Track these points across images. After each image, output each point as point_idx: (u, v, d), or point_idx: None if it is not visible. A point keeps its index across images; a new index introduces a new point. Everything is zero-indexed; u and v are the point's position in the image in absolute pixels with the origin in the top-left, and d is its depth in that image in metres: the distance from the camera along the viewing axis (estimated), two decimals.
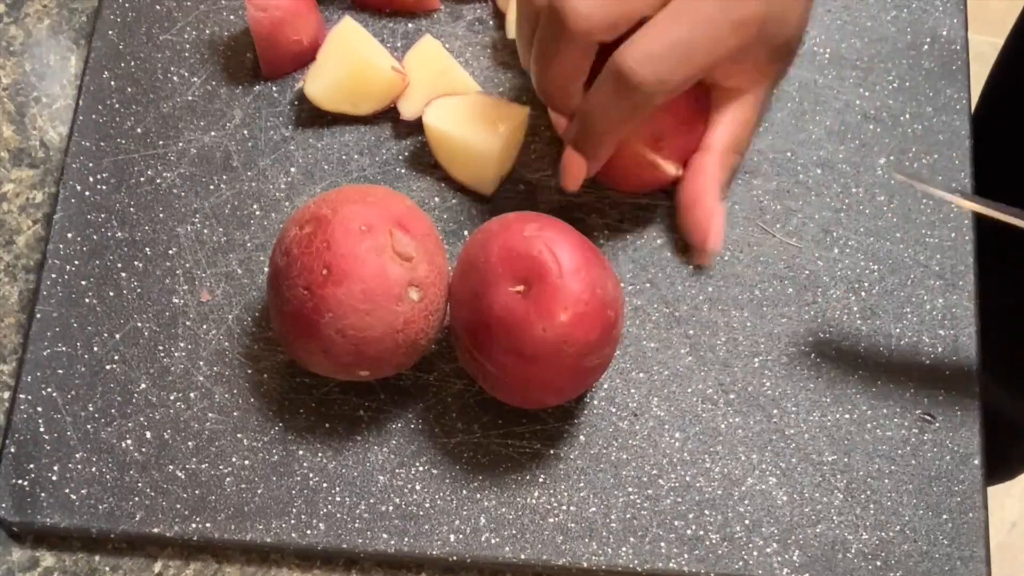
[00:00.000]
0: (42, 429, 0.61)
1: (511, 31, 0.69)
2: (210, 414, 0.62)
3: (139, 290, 0.64)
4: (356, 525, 0.60)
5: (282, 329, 0.58)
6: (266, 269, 0.64)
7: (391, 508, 0.60)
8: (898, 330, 0.64)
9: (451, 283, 0.59)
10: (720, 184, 0.63)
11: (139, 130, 0.68)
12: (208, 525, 0.60)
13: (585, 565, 0.59)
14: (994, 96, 0.94)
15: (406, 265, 0.56)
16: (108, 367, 0.63)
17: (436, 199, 0.66)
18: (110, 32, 0.70)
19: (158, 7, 0.70)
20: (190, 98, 0.68)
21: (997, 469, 1.07)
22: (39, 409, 0.62)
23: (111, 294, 0.64)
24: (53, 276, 0.64)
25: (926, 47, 0.70)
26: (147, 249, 0.65)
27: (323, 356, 0.57)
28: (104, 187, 0.66)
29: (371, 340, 0.56)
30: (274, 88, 0.69)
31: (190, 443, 0.61)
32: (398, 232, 0.57)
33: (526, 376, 0.56)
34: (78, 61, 0.71)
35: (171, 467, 0.61)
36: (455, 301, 0.58)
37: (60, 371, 0.62)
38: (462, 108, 0.65)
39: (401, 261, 0.56)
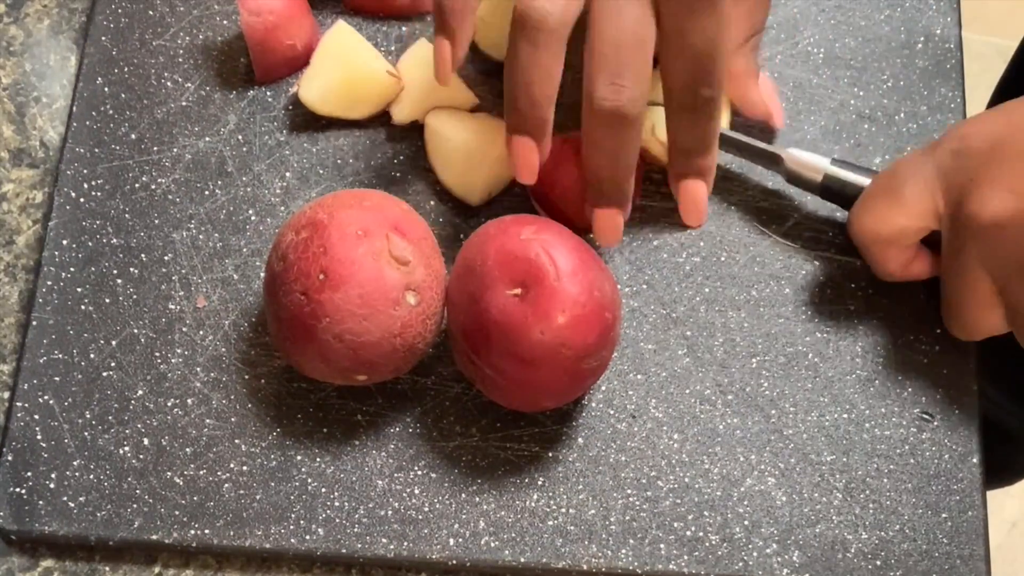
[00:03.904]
0: (39, 437, 0.61)
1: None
2: (208, 420, 0.62)
3: (135, 296, 0.64)
4: (355, 530, 0.60)
5: (279, 334, 0.58)
6: (262, 274, 0.64)
7: (390, 512, 0.60)
8: (896, 329, 0.64)
9: (448, 287, 0.59)
10: (752, 73, 0.64)
11: (133, 136, 0.67)
12: (207, 531, 0.60)
13: (585, 567, 0.59)
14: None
15: (403, 269, 0.56)
16: (105, 374, 0.63)
17: (432, 202, 0.66)
18: (103, 38, 0.70)
19: (151, 12, 0.70)
20: (184, 104, 0.68)
21: (997, 476, 1.07)
22: (36, 416, 0.62)
23: (107, 301, 0.64)
24: (49, 283, 0.64)
25: (920, 46, 0.70)
26: (143, 255, 0.65)
27: (320, 361, 0.57)
28: (99, 193, 0.66)
29: (368, 345, 0.56)
30: (268, 93, 0.69)
31: (188, 449, 0.61)
32: (395, 236, 0.56)
33: (524, 379, 0.56)
34: (78, 61, 0.71)
35: (169, 473, 0.61)
36: (452, 305, 0.58)
37: (57, 378, 0.62)
38: (466, 120, 0.66)
39: (398, 265, 0.56)
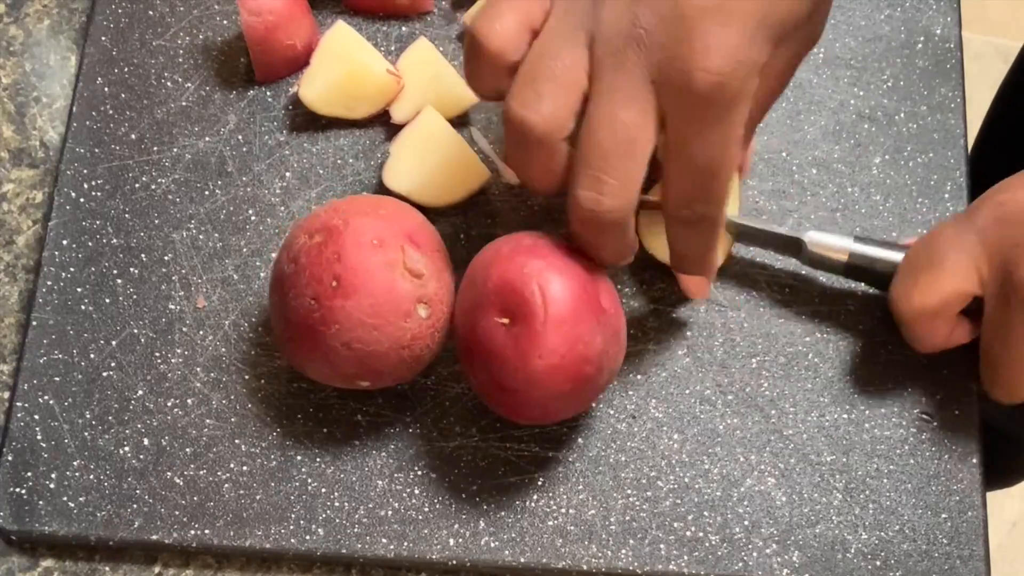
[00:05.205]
0: (39, 437, 0.61)
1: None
2: (208, 420, 0.62)
3: (135, 296, 0.64)
4: (355, 530, 0.60)
5: (284, 336, 0.58)
6: (262, 274, 0.64)
7: (390, 513, 0.60)
8: (896, 329, 0.64)
9: (458, 292, 0.59)
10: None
11: (133, 136, 0.67)
12: (207, 532, 0.60)
13: (585, 568, 0.59)
14: (999, 117, 0.93)
15: (416, 282, 0.56)
16: (105, 374, 0.63)
17: None
18: (103, 38, 0.70)
19: (151, 12, 0.70)
20: (184, 104, 0.68)
21: (996, 478, 1.07)
22: (36, 417, 0.62)
23: (107, 301, 0.64)
24: (49, 283, 0.64)
25: (920, 46, 0.70)
26: (143, 255, 0.65)
27: (325, 366, 0.57)
28: (99, 193, 0.66)
29: (376, 355, 0.56)
30: (268, 93, 0.69)
31: (188, 449, 0.61)
32: (410, 248, 0.56)
33: (502, 400, 0.57)
34: (78, 61, 0.71)
35: (169, 474, 0.61)
36: (458, 308, 0.58)
37: (57, 378, 0.62)
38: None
39: (411, 278, 0.56)
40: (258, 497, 0.60)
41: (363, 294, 0.55)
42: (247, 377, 0.63)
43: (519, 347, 0.54)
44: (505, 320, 0.55)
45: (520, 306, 0.55)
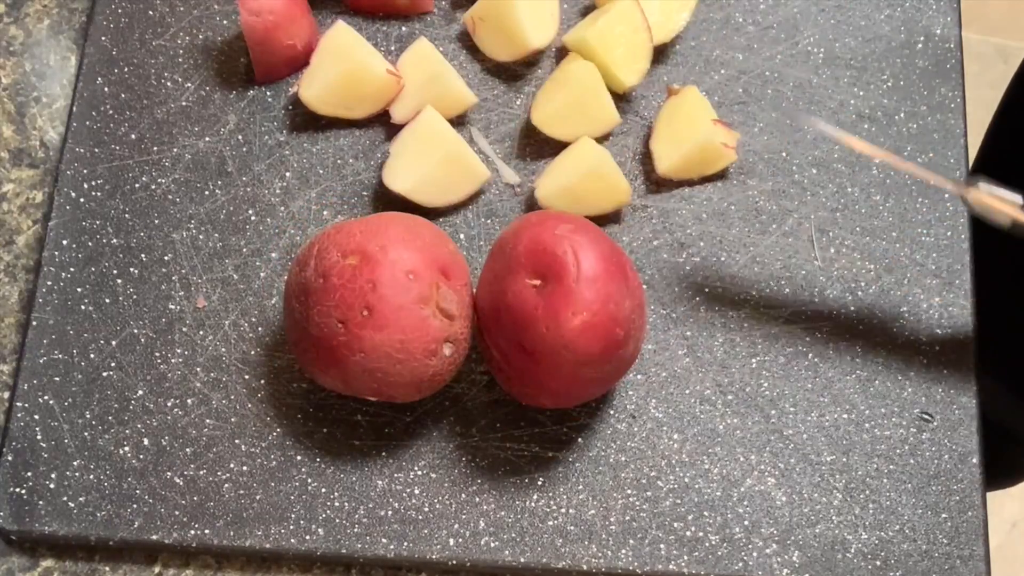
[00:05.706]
0: (39, 437, 0.61)
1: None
2: (208, 420, 0.62)
3: (135, 296, 0.64)
4: (355, 530, 0.60)
5: (300, 345, 0.58)
6: (262, 274, 0.64)
7: (390, 512, 0.60)
8: (895, 329, 0.64)
9: (483, 269, 0.59)
10: None
11: (133, 136, 0.67)
12: (207, 531, 0.60)
13: (585, 568, 0.59)
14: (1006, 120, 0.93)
15: (446, 322, 0.56)
16: (105, 374, 0.63)
17: None
18: (103, 38, 0.70)
19: (151, 12, 0.70)
20: (184, 104, 0.68)
21: (998, 476, 1.07)
22: (36, 417, 0.62)
23: (107, 301, 0.64)
24: (49, 283, 0.64)
25: (920, 46, 0.70)
26: (143, 255, 0.65)
27: (339, 382, 0.57)
28: (99, 193, 0.66)
29: (396, 384, 0.56)
30: (268, 93, 0.69)
31: (188, 449, 0.61)
32: (444, 288, 0.56)
33: (524, 370, 0.56)
34: (78, 61, 0.71)
35: (169, 474, 0.61)
36: (481, 281, 0.58)
37: (57, 378, 0.62)
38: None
39: (442, 318, 0.56)
40: (258, 497, 0.60)
41: (394, 329, 0.55)
42: (247, 377, 0.63)
43: (551, 306, 0.54)
44: (537, 281, 0.55)
45: (552, 266, 0.55)
